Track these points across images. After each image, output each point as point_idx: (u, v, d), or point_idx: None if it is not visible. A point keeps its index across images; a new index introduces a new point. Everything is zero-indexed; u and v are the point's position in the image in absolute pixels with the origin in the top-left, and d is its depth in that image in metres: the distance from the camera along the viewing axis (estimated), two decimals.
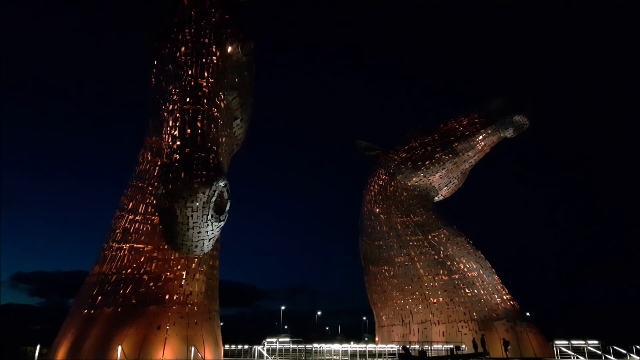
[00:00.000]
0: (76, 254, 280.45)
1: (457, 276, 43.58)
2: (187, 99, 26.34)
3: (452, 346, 39.35)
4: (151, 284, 30.23)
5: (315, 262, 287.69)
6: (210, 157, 24.02)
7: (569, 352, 38.98)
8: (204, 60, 27.92)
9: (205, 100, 26.68)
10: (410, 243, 46.35)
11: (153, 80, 30.95)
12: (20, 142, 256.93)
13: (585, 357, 38.38)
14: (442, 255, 44.62)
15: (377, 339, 49.55)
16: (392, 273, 47.36)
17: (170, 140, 25.17)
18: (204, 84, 27.22)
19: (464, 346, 40.03)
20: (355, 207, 54.15)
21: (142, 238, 31.89)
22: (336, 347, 45.22)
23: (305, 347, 46.01)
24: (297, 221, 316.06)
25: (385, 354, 40.71)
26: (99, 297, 30.25)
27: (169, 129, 25.87)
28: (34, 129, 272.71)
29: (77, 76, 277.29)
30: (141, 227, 32.26)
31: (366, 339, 77.46)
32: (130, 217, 32.75)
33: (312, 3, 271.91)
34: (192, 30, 28.71)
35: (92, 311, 29.83)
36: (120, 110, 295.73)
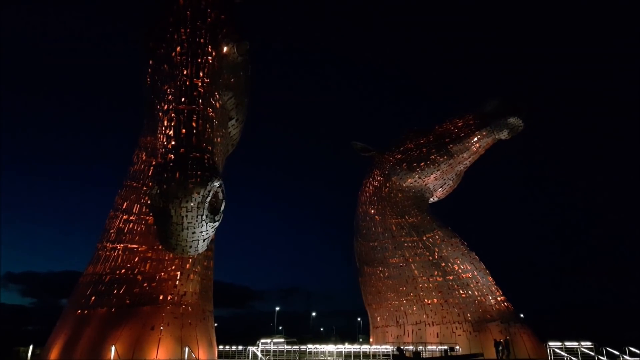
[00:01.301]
0: (67, 254, 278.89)
1: (451, 277, 43.65)
2: (182, 99, 26.35)
3: (446, 347, 39.44)
4: (145, 284, 30.15)
5: (309, 263, 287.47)
6: (205, 157, 24.03)
7: (563, 353, 39.12)
8: (199, 60, 27.91)
9: (200, 100, 26.69)
10: (405, 244, 46.42)
11: (148, 80, 30.89)
12: (13, 142, 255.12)
13: (578, 359, 38.55)
14: (436, 257, 44.70)
15: (371, 339, 49.58)
16: (386, 274, 47.40)
17: (165, 140, 25.15)
18: (200, 84, 27.21)
19: (458, 347, 40.12)
20: (350, 208, 54.25)
21: (136, 238, 31.80)
22: (330, 348, 45.27)
23: (299, 348, 46.01)
24: (291, 222, 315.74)
25: (379, 355, 40.75)
26: (93, 298, 30.15)
27: (164, 128, 25.84)
28: (26, 129, 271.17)
29: (71, 76, 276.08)
30: (135, 227, 32.17)
31: (360, 340, 77.40)
32: (124, 217, 32.64)
33: (308, 3, 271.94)
34: (188, 30, 28.70)
35: (86, 311, 29.73)
36: (114, 110, 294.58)
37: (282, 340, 49.39)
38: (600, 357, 38.56)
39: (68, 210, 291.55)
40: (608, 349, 40.08)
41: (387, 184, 48.83)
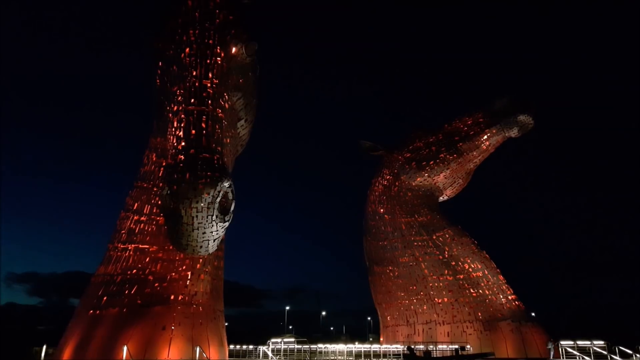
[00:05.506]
0: (71, 254, 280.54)
1: (462, 276, 43.48)
2: (192, 100, 26.53)
3: (457, 346, 39.29)
4: (156, 285, 30.33)
5: (314, 262, 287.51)
6: (215, 157, 24.17)
7: (575, 352, 38.80)
8: (208, 61, 28.08)
9: (209, 101, 26.85)
10: (415, 243, 46.29)
11: (157, 81, 31.10)
12: (17, 142, 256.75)
13: (591, 357, 38.21)
14: (446, 255, 44.52)
15: (381, 339, 49.53)
16: (396, 273, 47.30)
17: (175, 141, 25.33)
18: (209, 84, 27.36)
19: (468, 346, 39.95)
20: (359, 207, 54.20)
21: (147, 239, 31.97)
22: (341, 347, 45.26)
23: (310, 347, 46.05)
24: (299, 221, 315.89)
25: (390, 354, 40.69)
26: (105, 298, 30.37)
27: (173, 129, 26.04)
28: (30, 129, 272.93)
29: (78, 76, 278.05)
30: (146, 228, 32.34)
31: (371, 339, 77.44)
32: (135, 217, 32.83)
33: (316, 3, 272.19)
34: (197, 32, 28.88)
35: (98, 312, 29.96)
36: (117, 112, 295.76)
37: (292, 339, 49.46)
38: (613, 356, 38.20)
39: (72, 211, 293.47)
40: (621, 347, 39.70)
41: (397, 183, 48.70)
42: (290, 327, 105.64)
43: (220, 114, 27.31)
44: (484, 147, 45.37)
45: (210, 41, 28.78)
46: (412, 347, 39.23)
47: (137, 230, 32.36)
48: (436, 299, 44.25)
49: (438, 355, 39.17)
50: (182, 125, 25.68)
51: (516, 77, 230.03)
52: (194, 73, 27.51)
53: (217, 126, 26.58)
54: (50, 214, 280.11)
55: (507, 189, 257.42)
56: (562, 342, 39.93)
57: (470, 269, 43.46)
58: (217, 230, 24.38)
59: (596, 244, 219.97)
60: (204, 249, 24.95)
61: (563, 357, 38.90)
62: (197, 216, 23.11)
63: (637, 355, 39.27)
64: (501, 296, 42.05)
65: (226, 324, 34.70)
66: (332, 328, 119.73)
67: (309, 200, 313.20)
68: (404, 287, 46.58)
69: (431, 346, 40.82)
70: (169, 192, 23.00)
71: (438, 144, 46.54)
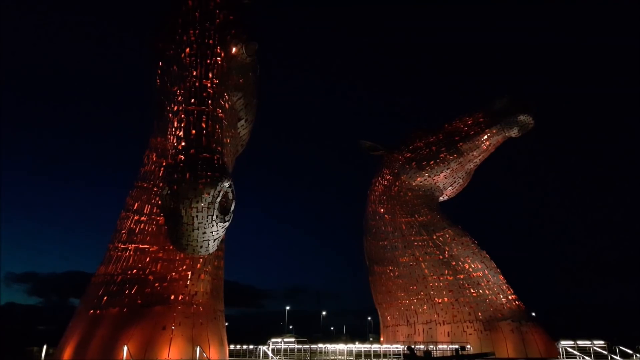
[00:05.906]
0: (70, 254, 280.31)
1: (462, 276, 43.45)
2: (192, 100, 26.51)
3: (457, 346, 39.28)
4: (156, 285, 30.31)
5: (314, 263, 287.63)
6: (215, 157, 24.15)
7: (575, 352, 38.82)
8: (208, 61, 28.06)
9: (209, 101, 26.83)
10: (415, 243, 46.26)
11: (158, 81, 31.08)
12: (16, 141, 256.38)
13: (591, 357, 38.23)
14: (447, 255, 44.50)
15: (382, 339, 49.50)
16: (396, 273, 47.27)
17: (175, 141, 25.31)
18: (209, 84, 27.34)
19: (469, 346, 39.94)
20: (359, 206, 54.16)
21: (148, 239, 31.93)
22: (341, 347, 45.25)
23: (310, 347, 46.06)
24: (299, 221, 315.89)
25: (390, 354, 40.68)
26: (105, 298, 30.36)
27: (173, 129, 26.03)
28: (30, 129, 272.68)
29: (76, 76, 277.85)
30: (146, 228, 32.30)
31: (371, 339, 77.41)
32: (135, 217, 32.80)
33: (315, 4, 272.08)
34: (197, 32, 28.86)
35: (98, 311, 29.95)
36: (115, 111, 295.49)
37: (292, 339, 49.46)
38: (613, 356, 38.22)
39: (72, 211, 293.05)
40: (621, 347, 39.71)
41: (397, 183, 48.67)
42: (291, 327, 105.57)
43: (220, 114, 27.29)
44: (484, 147, 45.36)
45: (211, 41, 28.74)
46: (413, 347, 39.21)
47: (137, 230, 32.32)
48: (436, 299, 44.23)
49: (438, 355, 39.15)
50: (182, 125, 25.65)
51: (516, 77, 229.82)
52: (194, 73, 27.48)
53: (217, 126, 26.55)
54: (50, 214, 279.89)
55: (508, 189, 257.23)
56: (562, 342, 39.97)
57: (471, 269, 43.44)
58: (217, 230, 24.37)
59: (597, 244, 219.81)
60: (204, 249, 24.93)
61: (563, 357, 38.94)
62: (197, 216, 23.08)
63: (637, 355, 39.28)
64: (501, 296, 42.03)
65: (226, 324, 34.70)
66: (332, 328, 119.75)
67: (309, 200, 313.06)
68: (404, 287, 46.54)
69: (431, 346, 40.81)
70: (169, 192, 22.99)
71: (438, 143, 46.52)
